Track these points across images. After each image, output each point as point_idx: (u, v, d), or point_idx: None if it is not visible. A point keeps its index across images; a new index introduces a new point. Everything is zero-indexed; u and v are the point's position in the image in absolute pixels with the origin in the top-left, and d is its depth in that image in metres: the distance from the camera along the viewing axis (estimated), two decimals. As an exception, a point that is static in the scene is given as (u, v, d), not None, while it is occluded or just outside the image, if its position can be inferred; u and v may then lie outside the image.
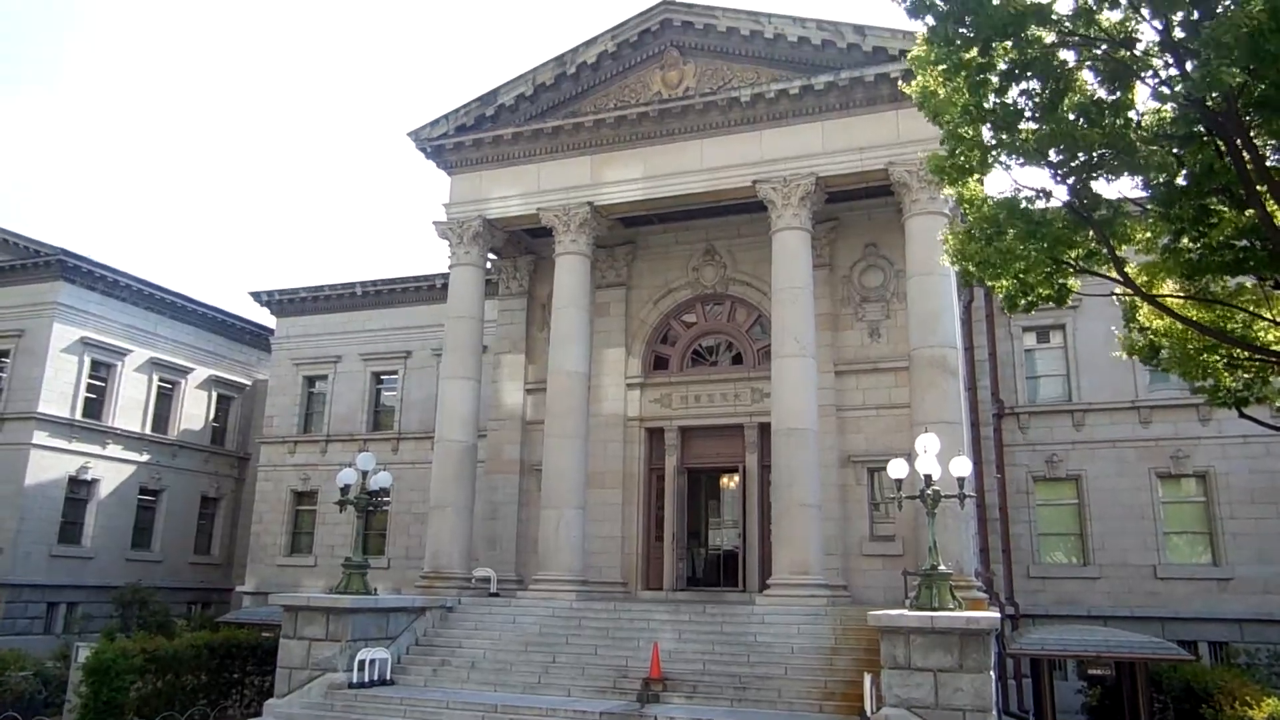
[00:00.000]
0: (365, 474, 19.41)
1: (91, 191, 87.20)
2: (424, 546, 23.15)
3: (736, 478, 22.89)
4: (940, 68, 8.76)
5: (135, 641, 20.26)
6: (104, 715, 18.03)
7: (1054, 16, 8.11)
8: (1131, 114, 8.38)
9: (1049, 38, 8.29)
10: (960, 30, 8.36)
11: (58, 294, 32.16)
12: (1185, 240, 9.39)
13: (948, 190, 10.42)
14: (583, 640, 17.97)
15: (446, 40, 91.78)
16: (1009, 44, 8.24)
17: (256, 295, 34.67)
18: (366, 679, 16.91)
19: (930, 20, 8.83)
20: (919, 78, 9.68)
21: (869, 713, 13.77)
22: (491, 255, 24.89)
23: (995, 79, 8.58)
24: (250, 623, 24.17)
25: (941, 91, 9.14)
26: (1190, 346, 11.65)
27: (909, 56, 10.05)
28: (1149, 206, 9.12)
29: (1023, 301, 9.99)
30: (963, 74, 8.62)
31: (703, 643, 17.19)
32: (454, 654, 18.17)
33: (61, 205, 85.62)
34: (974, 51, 8.49)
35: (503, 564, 22.91)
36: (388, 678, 17.30)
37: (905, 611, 14.39)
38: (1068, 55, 8.62)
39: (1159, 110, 8.55)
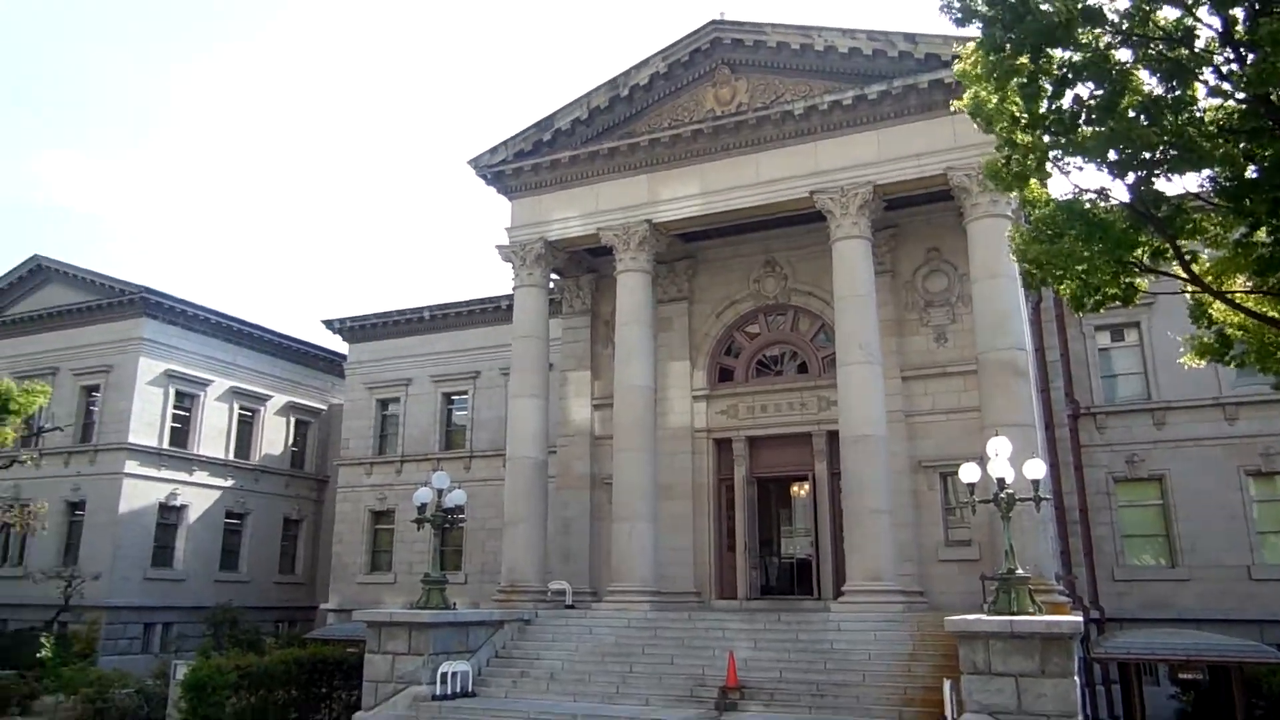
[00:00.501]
0: (440, 492, 19.85)
1: (160, 226, 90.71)
2: (499, 562, 23.59)
3: (806, 486, 22.87)
4: (993, 75, 8.78)
5: (229, 659, 21.06)
6: (203, 730, 18.82)
7: (1108, 19, 8.07)
8: (1195, 109, 8.27)
9: (1104, 39, 8.26)
10: (1009, 36, 8.40)
11: (142, 329, 33.67)
12: (1261, 233, 9.21)
13: (1012, 194, 10.40)
14: (659, 650, 18.13)
15: (500, 70, 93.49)
16: (1060, 49, 8.24)
17: (328, 323, 35.74)
18: (449, 691, 17.27)
19: (978, 26, 8.88)
20: (971, 88, 9.69)
21: (950, 719, 13.67)
22: (554, 275, 25.36)
23: (1049, 85, 8.57)
24: (336, 639, 24.89)
25: (992, 100, 9.16)
26: (1268, 340, 11.38)
27: (956, 69, 10.09)
28: (1217, 202, 8.98)
29: (1089, 302, 9.89)
30: (1014, 81, 8.64)
31: (778, 651, 17.21)
32: (533, 665, 18.47)
33: (133, 241, 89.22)
34: (1024, 58, 8.51)
35: (577, 577, 23.21)
36: (470, 690, 17.63)
37: (983, 616, 14.26)
38: (1123, 55, 8.57)
39: (1223, 105, 8.44)
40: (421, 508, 19.74)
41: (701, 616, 19.65)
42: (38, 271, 36.82)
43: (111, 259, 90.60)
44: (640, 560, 20.89)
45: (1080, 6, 7.94)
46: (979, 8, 8.42)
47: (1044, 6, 7.98)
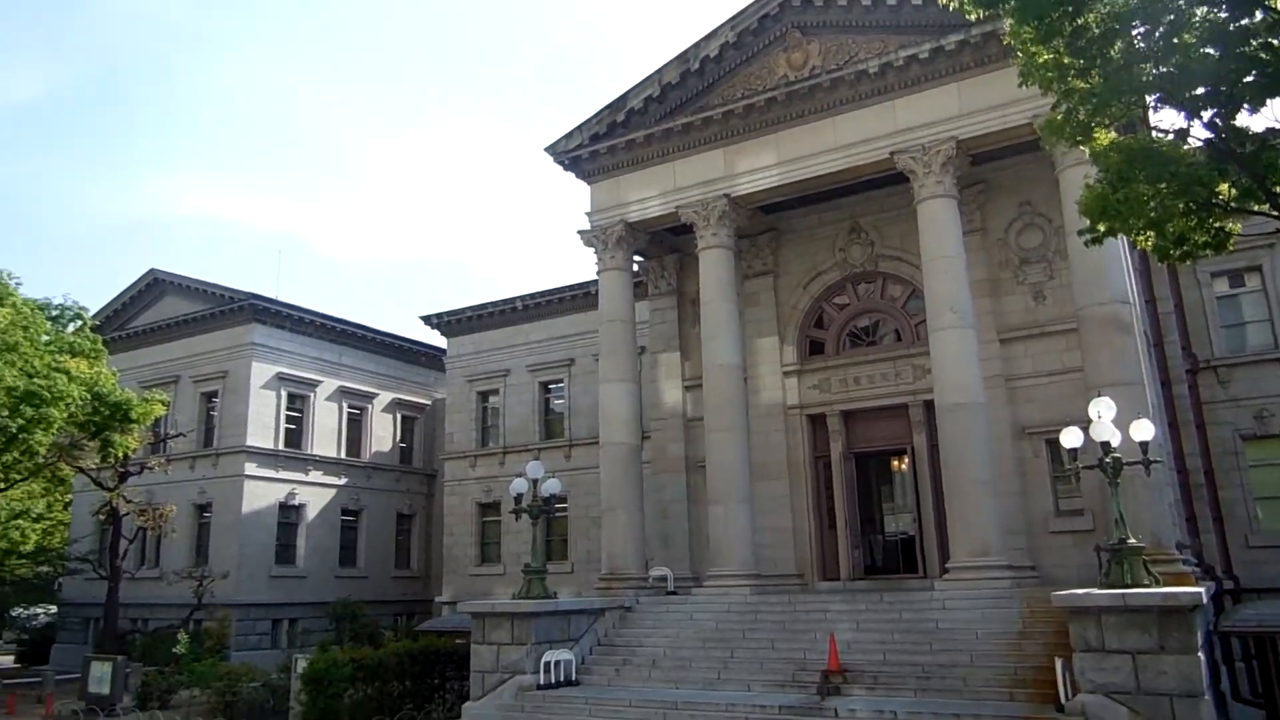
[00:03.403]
0: (535, 482, 19.94)
1: (266, 233, 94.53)
2: (601, 549, 23.72)
3: (906, 459, 22.15)
4: (1035, 32, 8.12)
5: (345, 652, 21.82)
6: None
7: None
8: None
9: None
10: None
11: (252, 335, 35.16)
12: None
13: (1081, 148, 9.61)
14: (759, 634, 17.86)
15: (585, 57, 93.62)
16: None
17: (426, 318, 36.63)
18: (553, 680, 17.39)
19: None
20: (1019, 55, 9.06)
21: (1064, 699, 12.98)
22: (638, 257, 25.19)
23: (1097, 31, 7.81)
24: (447, 630, 25.53)
25: (1044, 55, 8.44)
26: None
27: (1007, 33, 9.52)
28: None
29: (1176, 252, 9.09)
30: (1059, 38, 7.94)
31: (881, 632, 16.73)
32: (634, 653, 18.46)
33: (234, 247, 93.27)
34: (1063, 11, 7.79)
35: (677, 561, 23.11)
36: (573, 678, 17.71)
37: (1093, 590, 13.47)
38: None
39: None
40: (519, 498, 19.82)
41: (802, 599, 19.29)
42: (155, 285, 38.98)
43: (228, 269, 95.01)
44: (738, 543, 20.62)
45: None
46: None
47: None
